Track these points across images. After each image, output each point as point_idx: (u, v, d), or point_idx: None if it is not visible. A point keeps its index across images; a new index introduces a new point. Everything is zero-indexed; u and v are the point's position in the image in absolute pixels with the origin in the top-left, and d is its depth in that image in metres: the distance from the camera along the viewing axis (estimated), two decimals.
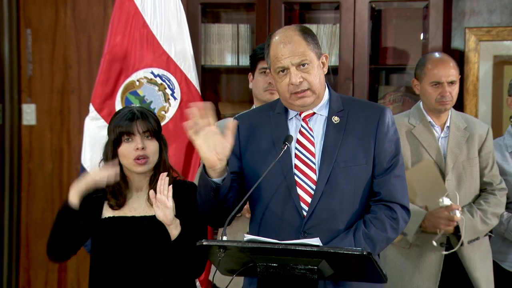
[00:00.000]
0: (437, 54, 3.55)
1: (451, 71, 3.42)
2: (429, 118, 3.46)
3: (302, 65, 2.50)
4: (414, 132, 3.44)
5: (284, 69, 2.51)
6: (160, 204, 2.65)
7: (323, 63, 2.57)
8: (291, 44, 2.50)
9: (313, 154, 2.54)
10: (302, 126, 2.58)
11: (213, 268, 2.40)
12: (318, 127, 2.58)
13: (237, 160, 2.60)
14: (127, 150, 2.73)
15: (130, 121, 2.73)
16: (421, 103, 3.52)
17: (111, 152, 2.77)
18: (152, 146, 2.75)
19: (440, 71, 3.41)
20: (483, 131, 3.49)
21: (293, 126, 2.59)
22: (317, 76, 2.53)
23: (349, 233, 2.50)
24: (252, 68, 3.50)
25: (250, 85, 3.52)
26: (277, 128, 2.58)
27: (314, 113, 2.58)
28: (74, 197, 2.71)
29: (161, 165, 2.78)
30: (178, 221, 2.70)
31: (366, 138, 2.55)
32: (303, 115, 2.58)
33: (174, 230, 2.69)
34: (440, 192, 3.32)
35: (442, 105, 3.41)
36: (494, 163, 3.51)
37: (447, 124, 3.47)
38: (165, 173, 2.70)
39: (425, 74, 3.43)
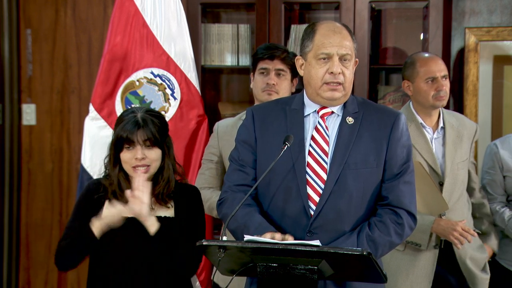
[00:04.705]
0: (423, 53, 3.57)
1: (442, 66, 3.42)
2: (420, 120, 3.43)
3: (344, 59, 2.53)
4: None
5: (327, 57, 2.52)
6: (136, 200, 2.69)
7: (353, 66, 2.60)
8: (341, 35, 2.54)
9: (326, 153, 2.54)
10: (319, 123, 2.57)
11: (214, 267, 2.40)
12: (333, 126, 2.58)
13: (253, 154, 2.61)
14: (128, 157, 2.75)
15: (132, 130, 2.73)
16: (410, 104, 3.48)
17: (112, 156, 2.79)
18: (153, 154, 2.76)
19: (432, 66, 3.39)
20: (472, 131, 3.49)
21: (310, 123, 2.58)
22: (351, 74, 2.56)
23: (352, 234, 2.51)
24: (253, 68, 3.49)
25: (251, 85, 3.51)
26: (293, 124, 2.58)
27: (333, 112, 2.59)
28: (97, 230, 2.73)
29: (164, 171, 2.79)
30: (154, 218, 2.73)
31: (379, 141, 2.55)
32: (321, 112, 2.58)
33: (151, 227, 2.71)
34: (431, 191, 3.30)
35: (439, 101, 3.38)
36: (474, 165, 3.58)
37: (441, 124, 3.45)
38: (142, 170, 2.73)
39: (418, 73, 3.40)
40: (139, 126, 2.74)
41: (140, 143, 2.73)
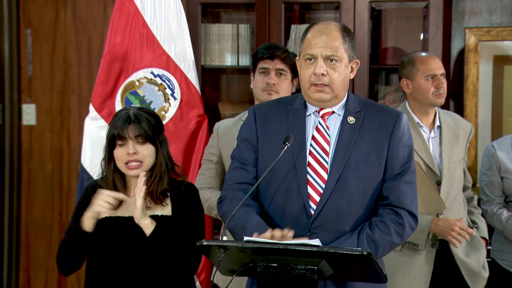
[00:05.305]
0: (420, 52, 3.61)
1: (441, 64, 3.45)
2: (416, 119, 3.43)
3: (331, 60, 2.51)
4: None
5: (312, 58, 2.52)
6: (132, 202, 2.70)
7: (352, 67, 2.58)
8: (328, 36, 2.52)
9: (327, 153, 2.54)
10: (319, 123, 2.57)
11: (214, 268, 2.39)
12: (334, 126, 2.58)
13: (255, 153, 2.61)
14: (120, 153, 2.74)
15: (122, 126, 2.72)
16: (406, 104, 3.49)
17: (107, 154, 2.78)
18: (145, 150, 2.74)
19: (432, 64, 3.42)
20: (467, 130, 3.50)
21: (311, 123, 2.58)
22: (341, 75, 2.53)
23: (353, 234, 2.51)
24: (253, 68, 3.49)
25: (252, 85, 3.51)
26: (294, 124, 2.58)
27: (333, 112, 2.59)
28: (88, 222, 2.72)
29: (157, 167, 2.78)
30: (149, 220, 2.71)
31: (380, 141, 2.55)
32: (321, 112, 2.58)
33: (146, 229, 2.70)
34: (429, 191, 3.30)
35: (439, 98, 3.40)
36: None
37: (437, 123, 3.45)
38: (143, 173, 2.71)
39: (418, 70, 3.41)
40: (130, 121, 2.73)
41: (131, 138, 2.72)
